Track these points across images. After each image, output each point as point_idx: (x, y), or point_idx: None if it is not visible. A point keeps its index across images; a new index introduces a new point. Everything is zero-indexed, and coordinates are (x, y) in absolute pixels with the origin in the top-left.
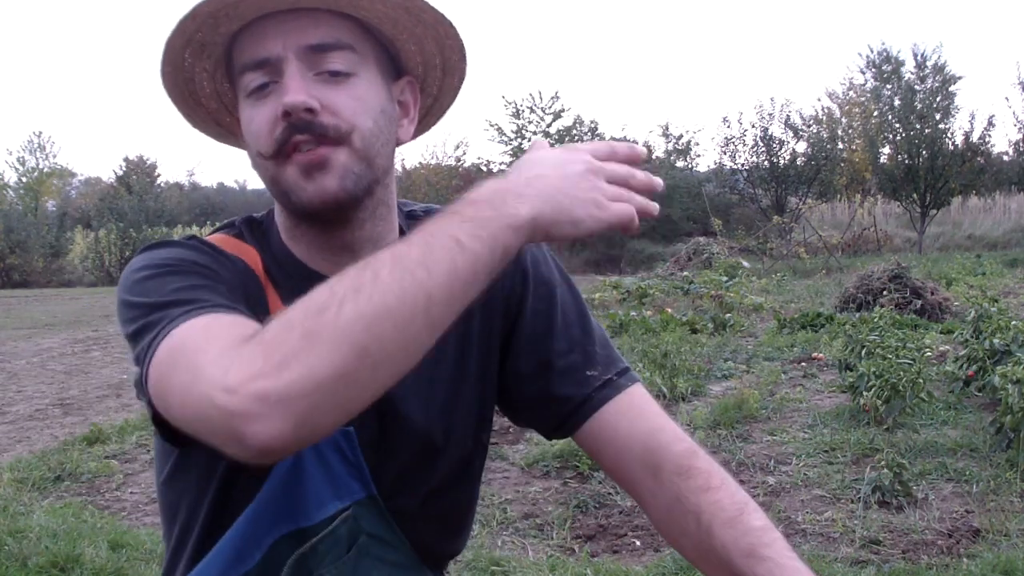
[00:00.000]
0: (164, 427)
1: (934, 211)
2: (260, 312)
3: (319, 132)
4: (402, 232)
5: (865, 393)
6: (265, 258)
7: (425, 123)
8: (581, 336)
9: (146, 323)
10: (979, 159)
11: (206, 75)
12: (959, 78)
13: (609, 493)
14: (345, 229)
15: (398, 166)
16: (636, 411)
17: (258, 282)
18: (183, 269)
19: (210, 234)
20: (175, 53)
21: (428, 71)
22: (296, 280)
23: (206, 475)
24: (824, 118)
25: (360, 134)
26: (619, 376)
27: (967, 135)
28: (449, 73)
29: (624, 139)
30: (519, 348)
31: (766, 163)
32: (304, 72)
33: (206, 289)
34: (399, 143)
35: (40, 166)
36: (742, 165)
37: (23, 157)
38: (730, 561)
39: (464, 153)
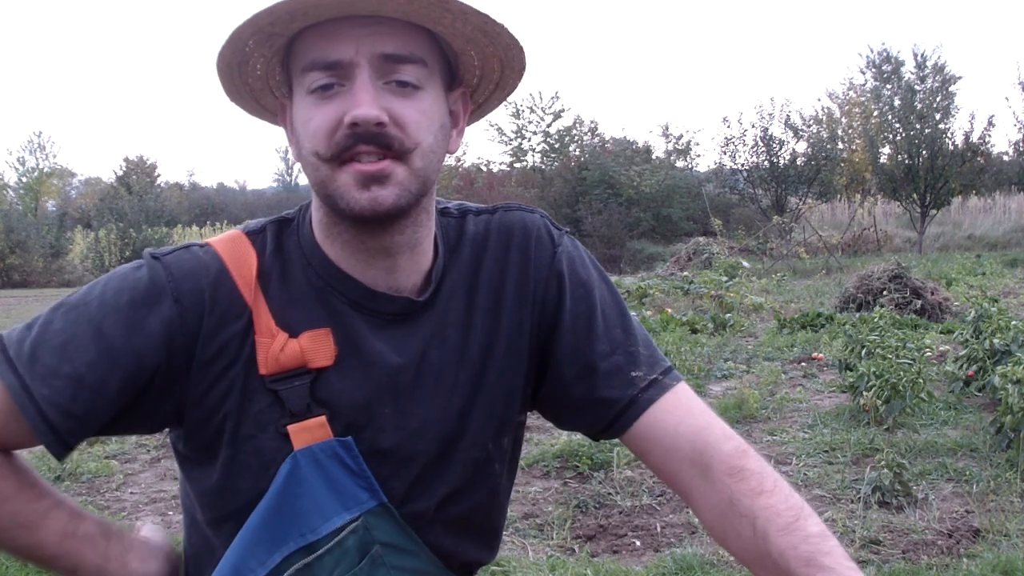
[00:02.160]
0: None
1: (934, 211)
2: (236, 328)
3: (384, 144)
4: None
5: (865, 393)
6: (268, 265)
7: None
8: (623, 337)
9: (18, 330)
10: (979, 159)
11: (262, 59)
12: (959, 78)
13: (609, 493)
14: (386, 233)
15: None
16: (683, 410)
17: (239, 298)
18: (82, 324)
19: (234, 229)
20: (241, 40)
21: (482, 83)
22: (325, 281)
23: (203, 481)
24: (824, 118)
25: (421, 152)
26: (664, 375)
27: (967, 135)
28: (501, 88)
29: (624, 139)
30: (561, 353)
31: (766, 163)
32: (374, 80)
33: (52, 356)
34: (448, 153)
35: (40, 166)
36: (742, 165)
37: (23, 157)
38: (788, 569)
39: (464, 153)
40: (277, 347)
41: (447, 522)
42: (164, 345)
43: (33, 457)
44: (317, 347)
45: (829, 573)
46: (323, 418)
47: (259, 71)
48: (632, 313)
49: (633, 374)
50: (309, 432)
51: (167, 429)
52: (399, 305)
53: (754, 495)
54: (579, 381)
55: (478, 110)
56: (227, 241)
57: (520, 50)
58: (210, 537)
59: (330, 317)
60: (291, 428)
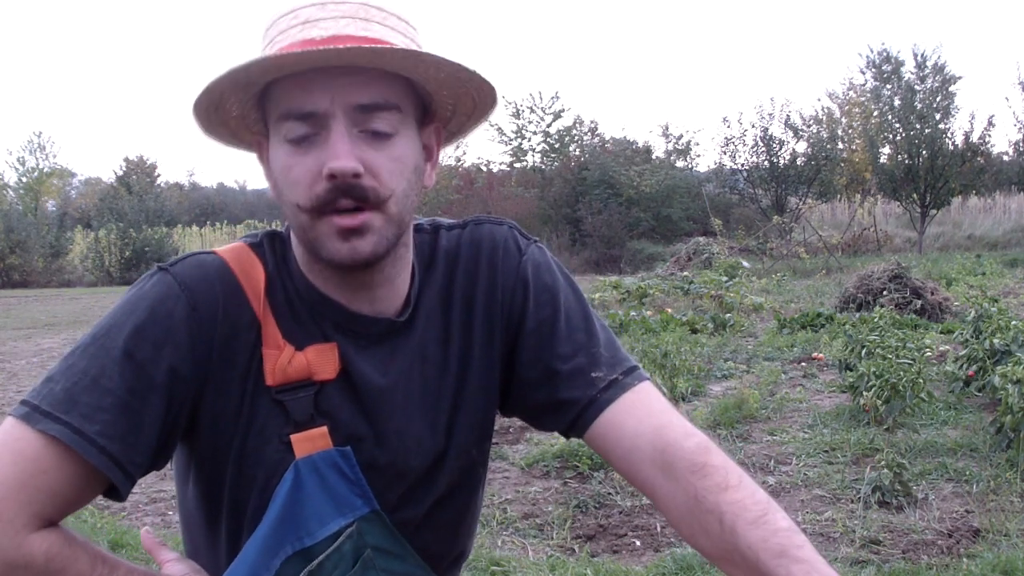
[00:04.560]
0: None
1: (934, 211)
2: (246, 339)
3: (360, 195)
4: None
5: (865, 393)
6: (273, 278)
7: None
8: (585, 340)
9: (38, 389)
10: (979, 159)
11: (238, 103)
12: (959, 78)
13: (609, 493)
14: (365, 273)
15: None
16: (643, 409)
17: (249, 310)
18: (108, 354)
19: (235, 241)
20: (215, 92)
21: (455, 115)
22: (310, 304)
23: (211, 498)
24: (824, 118)
25: (396, 199)
26: (625, 375)
27: (967, 135)
28: (475, 119)
29: (624, 139)
30: (525, 357)
31: (766, 163)
32: (349, 129)
33: (90, 394)
34: (424, 188)
35: (40, 166)
36: (742, 165)
37: (23, 157)
38: (759, 561)
39: (464, 153)
40: (285, 359)
41: (434, 526)
42: (191, 354)
43: None
44: (323, 361)
45: (803, 565)
46: (325, 428)
47: (235, 113)
48: (597, 316)
49: (593, 375)
50: (311, 441)
51: None
52: (381, 326)
53: (719, 490)
54: (542, 383)
55: (452, 137)
56: (235, 252)
57: (492, 89)
58: (211, 547)
59: (325, 337)
60: (294, 437)
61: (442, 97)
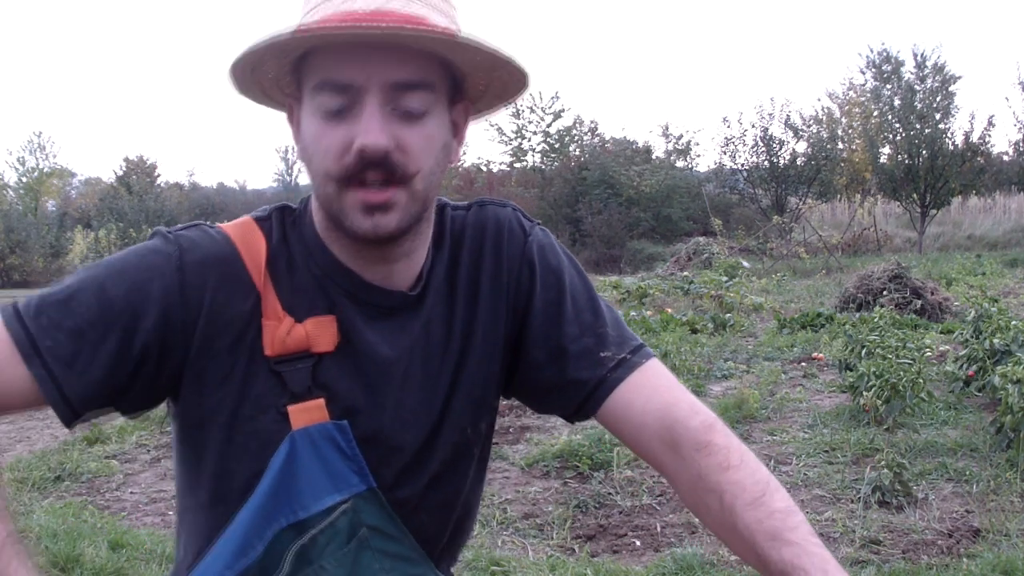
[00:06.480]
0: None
1: (934, 211)
2: (242, 307)
3: (388, 169)
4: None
5: (865, 393)
6: (276, 250)
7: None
8: (592, 319)
9: (23, 303)
10: (979, 159)
11: (275, 64)
12: (959, 78)
13: (609, 493)
14: (385, 247)
15: None
16: (651, 387)
17: (247, 280)
18: (87, 282)
19: (240, 218)
20: (255, 54)
21: (485, 96)
22: (322, 272)
23: (199, 464)
24: (824, 118)
25: (422, 176)
26: (632, 354)
27: (967, 135)
28: (504, 100)
29: (624, 139)
30: (532, 339)
31: (766, 163)
32: (383, 106)
33: (57, 309)
34: (449, 164)
35: (40, 166)
36: (742, 165)
37: (23, 157)
38: (754, 543)
39: (464, 153)
40: (284, 330)
41: (430, 507)
42: (161, 310)
43: (34, 457)
44: (321, 332)
45: (794, 547)
46: (322, 400)
47: (271, 75)
48: (601, 296)
49: (602, 354)
50: (308, 413)
51: (168, 415)
52: (393, 299)
53: (721, 470)
54: (550, 364)
55: (477, 115)
56: (238, 225)
57: (525, 75)
58: (205, 519)
59: (329, 307)
60: (291, 408)
61: (475, 78)
